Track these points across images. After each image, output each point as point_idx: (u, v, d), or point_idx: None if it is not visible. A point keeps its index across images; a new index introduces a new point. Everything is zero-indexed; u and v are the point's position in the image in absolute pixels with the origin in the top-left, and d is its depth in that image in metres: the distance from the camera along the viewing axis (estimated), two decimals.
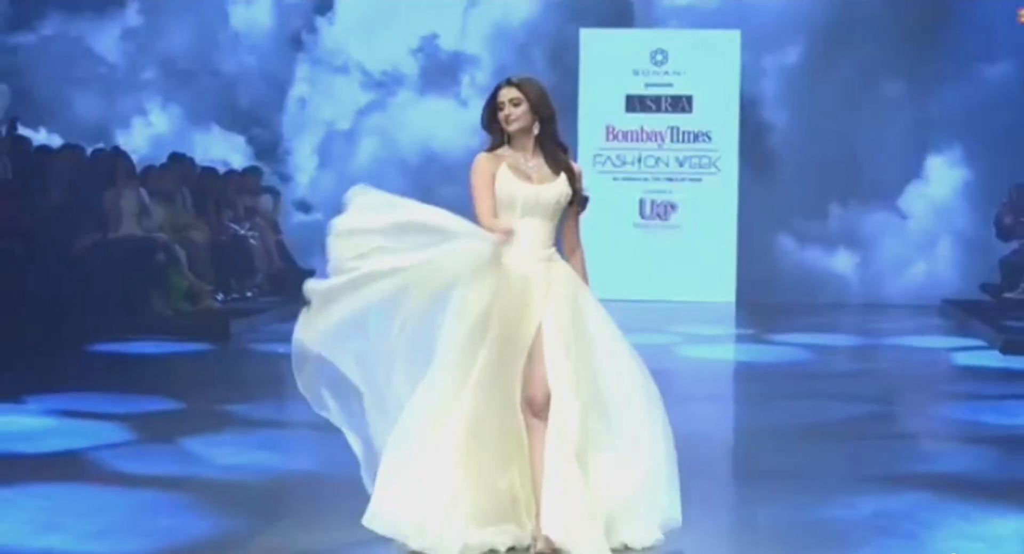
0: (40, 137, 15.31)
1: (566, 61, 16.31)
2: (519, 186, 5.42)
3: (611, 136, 16.36)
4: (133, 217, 12.89)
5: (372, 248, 5.27)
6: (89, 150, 13.95)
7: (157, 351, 11.54)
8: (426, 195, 5.42)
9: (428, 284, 5.28)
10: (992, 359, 11.72)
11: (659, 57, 16.30)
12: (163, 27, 16.87)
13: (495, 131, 5.53)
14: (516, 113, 5.46)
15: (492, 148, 5.52)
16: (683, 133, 16.34)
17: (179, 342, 11.86)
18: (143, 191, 13.22)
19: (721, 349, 12.78)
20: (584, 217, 5.63)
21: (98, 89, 16.79)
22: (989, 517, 6.20)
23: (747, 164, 16.27)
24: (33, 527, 5.89)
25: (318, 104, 17.01)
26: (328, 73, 17.00)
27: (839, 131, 16.07)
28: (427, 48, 16.87)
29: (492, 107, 5.50)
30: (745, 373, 11.48)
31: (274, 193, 16.23)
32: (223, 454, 7.42)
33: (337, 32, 16.96)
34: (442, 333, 5.35)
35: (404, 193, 5.46)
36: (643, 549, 5.39)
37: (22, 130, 14.47)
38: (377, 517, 5.33)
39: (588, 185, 5.66)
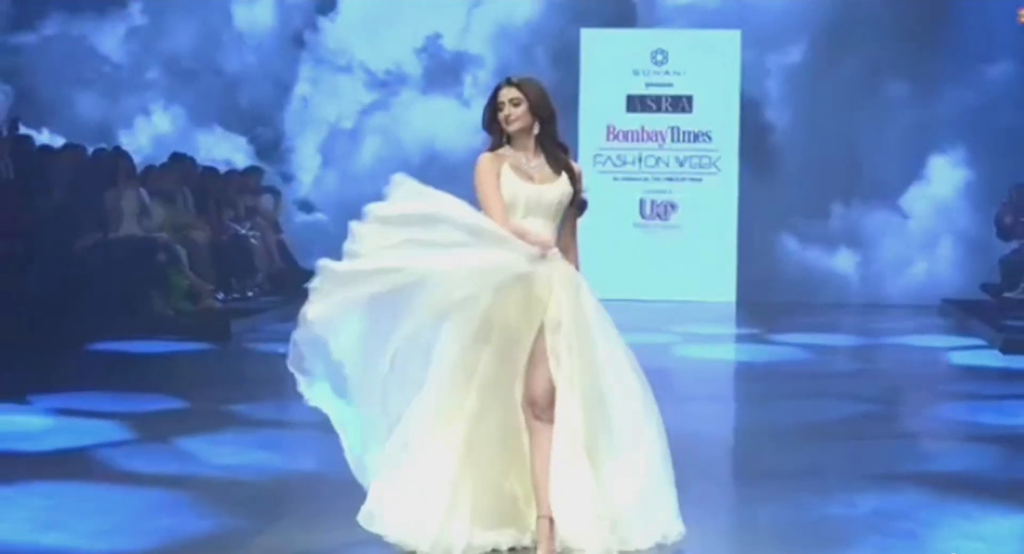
0: (43, 138, 15.31)
1: (569, 61, 16.32)
2: (521, 186, 5.41)
3: (611, 136, 16.36)
4: (134, 217, 12.90)
5: (402, 239, 5.21)
6: (90, 150, 13.95)
7: (158, 351, 11.55)
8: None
9: (447, 294, 5.23)
10: (992, 359, 11.72)
11: (659, 57, 16.31)
12: (166, 27, 16.87)
13: (495, 131, 5.51)
14: (516, 113, 5.45)
15: (493, 148, 5.51)
16: (683, 133, 16.35)
17: (180, 342, 11.87)
18: (143, 191, 13.23)
19: (721, 349, 12.79)
20: (583, 218, 5.63)
21: (101, 89, 16.80)
22: (989, 516, 6.21)
23: (747, 164, 16.28)
24: (34, 526, 5.90)
25: (321, 103, 17.02)
26: (331, 72, 17.01)
27: (840, 131, 16.07)
28: (430, 47, 16.88)
29: (492, 107, 5.50)
30: (745, 373, 11.48)
31: (275, 193, 16.24)
32: (223, 454, 7.42)
33: (340, 31, 16.97)
34: (443, 334, 5.34)
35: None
36: (644, 549, 5.39)
37: (25, 130, 14.48)
38: (376, 517, 5.33)
39: (589, 185, 5.66)
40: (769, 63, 16.42)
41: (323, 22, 16.99)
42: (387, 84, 16.95)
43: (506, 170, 5.42)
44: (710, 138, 16.31)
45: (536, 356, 5.32)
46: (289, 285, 14.78)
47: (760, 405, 9.56)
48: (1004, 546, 5.84)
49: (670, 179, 16.36)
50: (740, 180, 16.23)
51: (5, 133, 13.73)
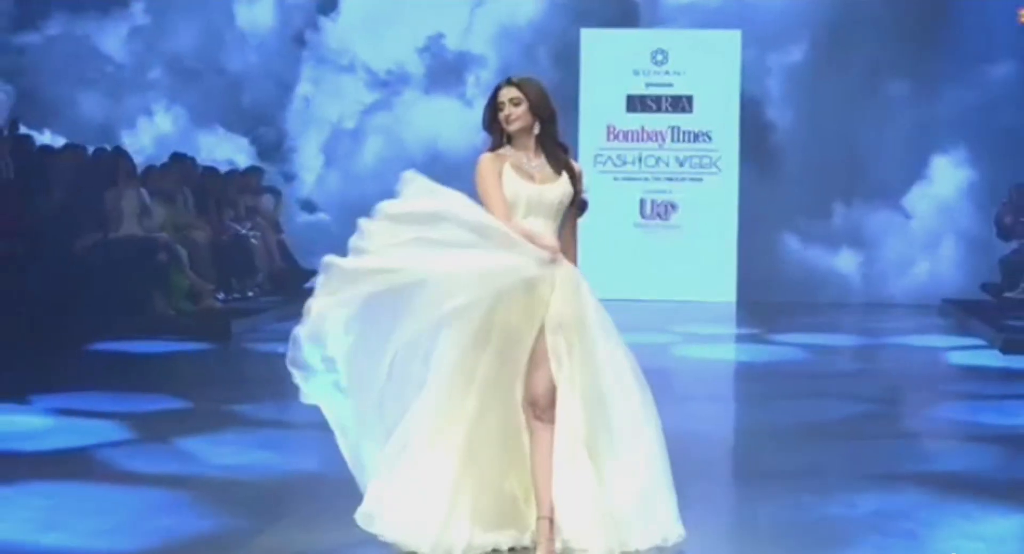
0: (45, 138, 15.31)
1: (571, 61, 16.32)
2: (523, 186, 5.40)
3: (612, 136, 16.37)
4: (134, 217, 12.90)
5: (410, 238, 5.21)
6: (90, 150, 13.96)
7: (158, 350, 11.55)
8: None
9: (449, 298, 5.21)
10: (992, 359, 11.72)
11: (659, 57, 16.31)
12: (168, 26, 16.88)
13: (496, 131, 5.50)
14: (516, 113, 5.44)
15: (493, 148, 5.50)
16: (683, 133, 16.35)
17: (180, 341, 11.87)
18: (144, 191, 13.23)
19: (721, 349, 12.78)
20: (582, 219, 5.63)
21: (103, 89, 16.81)
22: (989, 516, 6.20)
23: (748, 164, 16.28)
24: (34, 526, 5.90)
25: (323, 103, 17.02)
26: (334, 72, 17.01)
27: (841, 131, 16.07)
28: (433, 47, 16.88)
29: (492, 107, 5.49)
30: (745, 373, 11.48)
31: (275, 193, 16.25)
32: (223, 453, 7.43)
33: (343, 31, 16.97)
34: (443, 336, 5.33)
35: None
36: (644, 550, 5.39)
37: (28, 131, 14.47)
38: (375, 518, 5.32)
39: (589, 185, 5.65)
40: (770, 62, 16.43)
41: (325, 22, 17.00)
42: (389, 84, 16.96)
43: (508, 170, 5.42)
44: (710, 138, 16.31)
45: (537, 356, 5.31)
46: (289, 285, 14.82)
47: (760, 405, 9.56)
48: (1004, 546, 5.84)
49: (670, 179, 16.36)
50: (740, 180, 16.24)
51: (6, 133, 13.73)
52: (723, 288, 16.03)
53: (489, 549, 5.34)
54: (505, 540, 5.38)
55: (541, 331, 5.31)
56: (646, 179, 16.38)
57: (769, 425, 8.60)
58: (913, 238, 16.34)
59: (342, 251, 5.28)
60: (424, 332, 5.29)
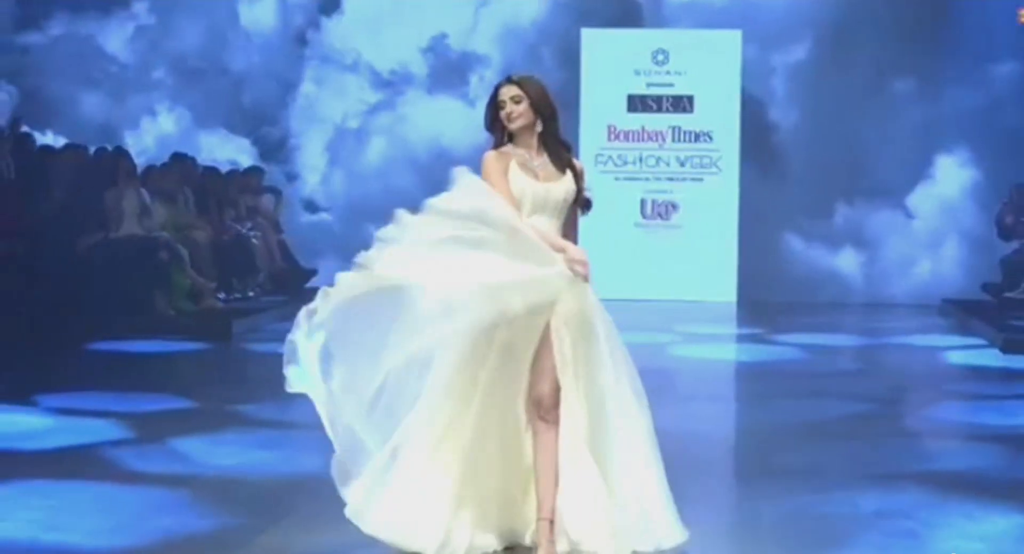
0: (48, 139, 15.30)
1: (575, 61, 16.33)
2: (528, 183, 5.40)
3: (612, 136, 16.37)
4: (135, 217, 12.91)
5: (445, 236, 5.22)
6: (92, 150, 13.96)
7: (159, 350, 11.56)
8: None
9: (453, 318, 5.22)
10: (993, 358, 11.72)
11: (660, 57, 16.31)
12: (172, 26, 16.88)
13: (497, 130, 5.50)
14: (517, 110, 5.44)
15: (496, 147, 5.50)
16: (684, 133, 16.35)
17: (181, 341, 11.88)
18: (144, 191, 13.24)
19: (722, 349, 12.78)
20: (584, 218, 5.63)
21: (107, 89, 16.81)
22: (990, 516, 6.21)
23: (749, 164, 16.28)
24: (35, 525, 5.90)
25: (327, 103, 17.03)
26: (337, 72, 17.02)
27: (843, 130, 16.07)
28: (436, 47, 16.89)
29: (493, 106, 5.49)
30: (746, 373, 11.48)
31: (276, 192, 16.25)
32: (224, 453, 7.43)
33: (346, 31, 16.97)
34: (443, 352, 5.32)
35: (410, 193, 5.43)
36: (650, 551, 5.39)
37: (31, 131, 14.47)
38: (374, 518, 5.31)
39: (590, 184, 5.65)
40: (772, 62, 16.43)
41: (328, 22, 17.00)
42: (392, 84, 16.96)
43: (513, 167, 5.41)
44: (711, 138, 16.31)
45: (542, 355, 5.30)
46: (290, 285, 14.82)
47: (761, 405, 9.56)
48: (1004, 546, 5.84)
49: (671, 179, 16.36)
50: (741, 180, 16.24)
51: (7, 133, 13.74)
52: (724, 288, 16.03)
53: (490, 550, 5.33)
54: (505, 541, 5.38)
55: (546, 331, 5.29)
56: (647, 179, 16.38)
57: (770, 425, 8.60)
58: (915, 238, 16.33)
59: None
60: (424, 349, 5.29)
